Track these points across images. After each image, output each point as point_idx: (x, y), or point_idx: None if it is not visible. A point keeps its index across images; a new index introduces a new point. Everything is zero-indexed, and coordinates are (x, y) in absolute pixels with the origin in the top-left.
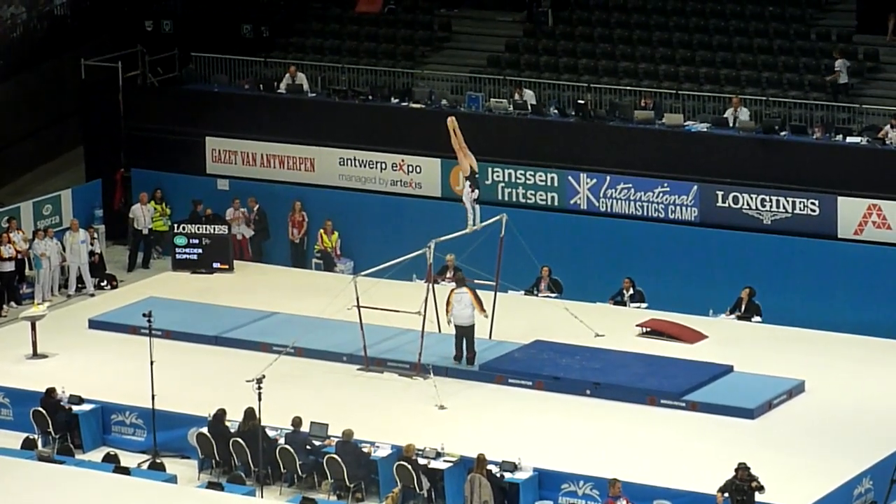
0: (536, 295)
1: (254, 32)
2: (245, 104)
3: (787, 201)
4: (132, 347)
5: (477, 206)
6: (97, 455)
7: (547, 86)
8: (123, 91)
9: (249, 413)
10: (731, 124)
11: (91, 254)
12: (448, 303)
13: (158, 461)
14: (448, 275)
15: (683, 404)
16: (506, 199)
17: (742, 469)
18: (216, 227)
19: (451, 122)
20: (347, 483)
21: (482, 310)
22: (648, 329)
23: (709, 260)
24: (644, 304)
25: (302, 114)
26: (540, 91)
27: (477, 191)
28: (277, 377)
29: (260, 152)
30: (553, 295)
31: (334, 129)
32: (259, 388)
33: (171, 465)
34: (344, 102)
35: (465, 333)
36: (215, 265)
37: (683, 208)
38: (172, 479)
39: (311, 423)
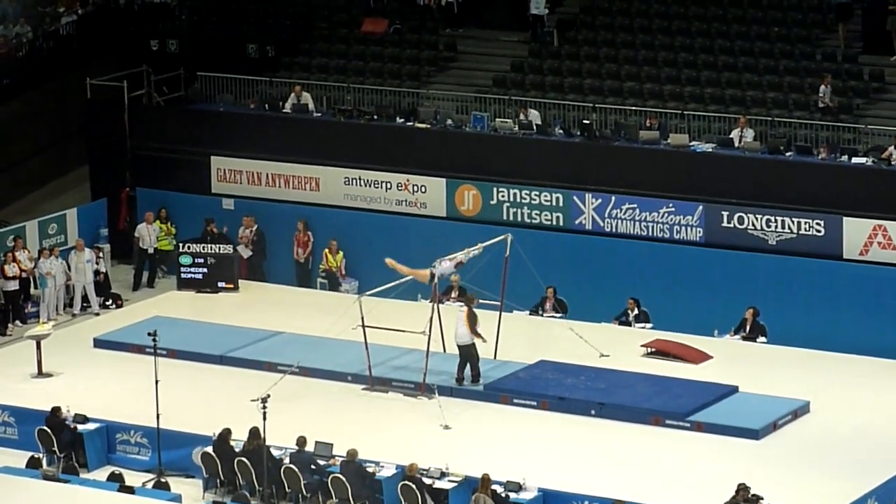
0: (541, 315)
1: (259, 52)
2: (250, 124)
3: (793, 222)
4: (137, 366)
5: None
6: (102, 474)
7: (552, 106)
8: (129, 110)
9: (254, 432)
10: (736, 144)
11: (96, 273)
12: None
13: (163, 480)
14: (453, 294)
15: (688, 425)
16: (511, 219)
17: (742, 489)
18: (221, 246)
19: (389, 263)
20: (352, 502)
21: (472, 331)
22: (653, 349)
23: (714, 280)
24: (649, 325)
25: (307, 133)
26: (545, 111)
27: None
28: (282, 396)
29: (265, 172)
30: (558, 315)
31: (339, 149)
32: (264, 407)
33: (176, 484)
34: (349, 122)
35: (460, 353)
36: (220, 284)
37: (688, 228)
38: (177, 499)
39: (316, 442)
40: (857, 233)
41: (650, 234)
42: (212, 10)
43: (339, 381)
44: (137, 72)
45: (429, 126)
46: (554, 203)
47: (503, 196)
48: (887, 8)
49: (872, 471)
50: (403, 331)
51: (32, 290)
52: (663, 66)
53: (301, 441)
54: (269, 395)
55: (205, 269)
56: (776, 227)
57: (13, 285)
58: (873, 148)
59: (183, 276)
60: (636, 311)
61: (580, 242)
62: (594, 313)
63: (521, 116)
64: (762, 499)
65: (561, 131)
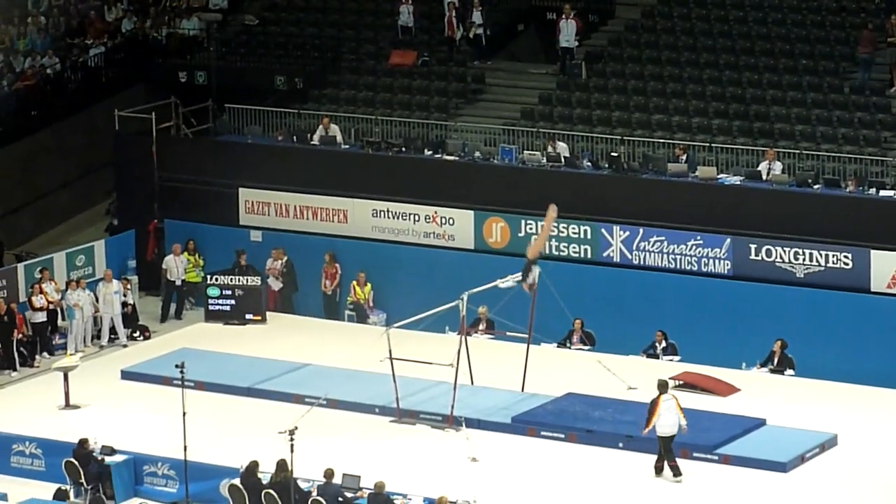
0: (569, 347)
1: (287, 84)
2: (278, 155)
3: (821, 254)
4: (164, 398)
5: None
6: None
7: (580, 138)
8: (157, 142)
9: (281, 465)
10: (764, 177)
11: (124, 304)
12: (653, 412)
13: None
14: (481, 327)
15: (716, 458)
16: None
17: None
18: (249, 278)
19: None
20: None
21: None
22: (681, 382)
23: (741, 313)
24: (677, 357)
25: (335, 165)
26: (573, 143)
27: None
28: (310, 429)
29: (293, 204)
30: (586, 347)
31: (367, 181)
32: (291, 439)
33: None
34: (377, 154)
35: (668, 443)
36: (248, 316)
37: (716, 261)
38: None
39: (344, 474)
40: (884, 265)
41: (678, 266)
42: (240, 42)
43: (366, 414)
44: (166, 103)
45: (457, 158)
46: (582, 235)
47: (531, 228)
48: None
49: None
50: (431, 363)
51: (60, 322)
52: (691, 98)
53: (328, 473)
54: (296, 427)
55: (232, 301)
56: (804, 259)
57: (41, 317)
58: None
59: (211, 307)
60: (664, 344)
61: (608, 275)
62: (622, 346)
63: (550, 149)
64: None
65: (589, 164)
